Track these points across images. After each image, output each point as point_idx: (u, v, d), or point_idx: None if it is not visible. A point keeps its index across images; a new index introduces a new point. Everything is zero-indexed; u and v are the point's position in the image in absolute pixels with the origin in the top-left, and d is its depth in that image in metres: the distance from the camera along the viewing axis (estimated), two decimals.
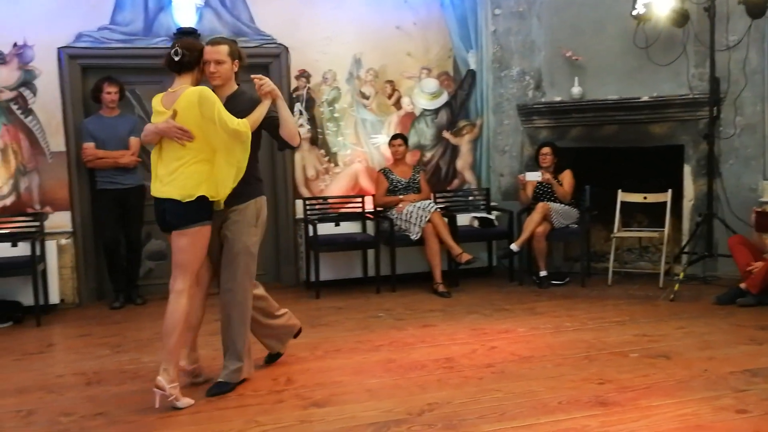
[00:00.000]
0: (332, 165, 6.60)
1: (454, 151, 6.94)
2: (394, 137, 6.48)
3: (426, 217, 6.09)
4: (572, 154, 6.62)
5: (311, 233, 6.11)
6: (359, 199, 6.58)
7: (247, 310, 3.84)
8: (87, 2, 5.90)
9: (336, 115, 6.57)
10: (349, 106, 6.60)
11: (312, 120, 6.51)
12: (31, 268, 5.42)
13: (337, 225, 6.42)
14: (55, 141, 5.89)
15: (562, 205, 6.34)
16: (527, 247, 6.33)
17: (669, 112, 6.34)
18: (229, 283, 3.78)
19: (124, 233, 5.87)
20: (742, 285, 5.37)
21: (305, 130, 6.48)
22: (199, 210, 3.57)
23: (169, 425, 3.39)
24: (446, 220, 6.22)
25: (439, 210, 6.24)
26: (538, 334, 4.77)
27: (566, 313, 5.33)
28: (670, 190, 6.21)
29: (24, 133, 5.84)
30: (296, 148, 3.95)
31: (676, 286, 5.66)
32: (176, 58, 3.62)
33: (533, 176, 6.32)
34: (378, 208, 6.49)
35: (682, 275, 5.80)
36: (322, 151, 6.57)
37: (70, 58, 5.89)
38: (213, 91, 3.65)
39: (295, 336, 4.32)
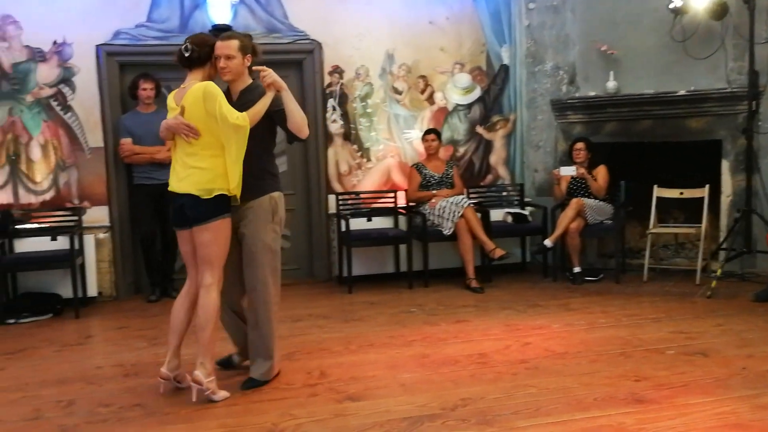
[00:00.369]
0: (365, 160, 6.62)
1: (488, 146, 6.91)
2: (427, 132, 6.48)
3: (459, 212, 6.08)
4: (607, 150, 6.56)
5: (344, 228, 6.13)
6: (392, 194, 6.59)
7: (273, 307, 3.81)
8: (125, 0, 5.99)
9: (369, 110, 6.58)
10: (382, 102, 6.61)
11: (345, 115, 6.53)
12: (70, 261, 5.52)
13: (369, 220, 6.43)
14: (94, 137, 6.00)
15: (597, 200, 6.28)
16: (561, 243, 6.29)
17: (706, 107, 6.24)
18: (253, 283, 3.77)
19: (160, 228, 5.94)
20: None
21: (338, 126, 6.51)
22: (216, 204, 3.60)
23: (206, 416, 3.43)
24: (479, 215, 6.20)
25: (472, 205, 6.22)
26: (573, 331, 4.74)
27: (600, 309, 5.28)
28: (707, 186, 6.11)
29: (63, 129, 5.95)
30: (305, 140, 3.92)
31: (714, 283, 5.58)
32: (186, 54, 3.65)
33: (567, 171, 6.27)
34: (411, 203, 6.49)
35: (719, 272, 5.71)
36: (355, 147, 6.59)
37: (108, 55, 5.99)
38: (228, 85, 3.70)
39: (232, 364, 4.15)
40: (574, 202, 6.17)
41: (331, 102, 6.48)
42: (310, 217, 6.60)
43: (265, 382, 3.83)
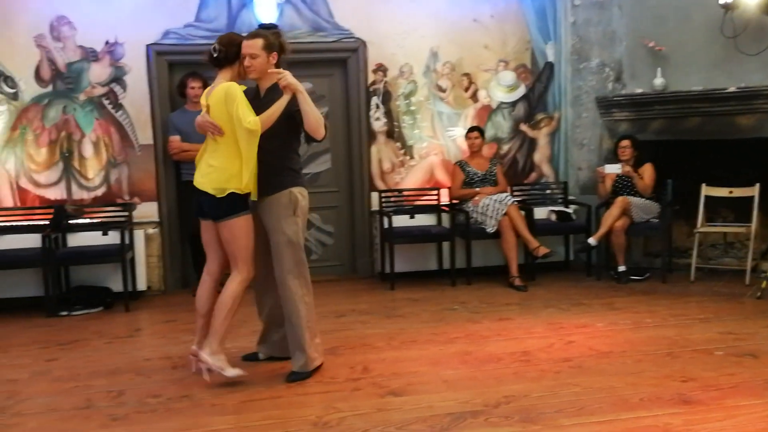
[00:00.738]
0: (408, 158, 6.64)
1: (532, 144, 6.87)
2: (471, 130, 6.46)
3: (502, 210, 6.06)
4: (653, 148, 6.46)
5: (386, 225, 6.16)
6: (435, 192, 6.60)
7: (300, 299, 3.86)
8: (174, 0, 6.11)
9: (412, 108, 6.60)
10: (426, 99, 6.62)
11: (388, 113, 6.56)
12: (121, 256, 5.66)
13: (412, 217, 6.44)
14: (144, 134, 6.14)
15: (643, 199, 6.20)
16: (605, 242, 6.22)
17: (757, 104, 6.09)
18: (279, 275, 3.86)
19: None
20: None
21: (381, 124, 6.54)
22: (232, 202, 3.72)
23: (252, 408, 3.50)
24: (523, 213, 6.17)
25: (515, 203, 6.20)
26: (617, 330, 4.69)
27: (646, 309, 5.21)
28: (757, 185, 5.98)
29: (114, 127, 6.10)
30: (321, 141, 3.96)
31: (764, 284, 5.45)
32: (214, 55, 3.77)
33: (612, 169, 6.20)
34: (454, 201, 6.49)
35: None
36: (398, 144, 6.61)
37: (158, 54, 6.11)
38: (256, 83, 3.83)
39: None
40: (620, 200, 6.10)
41: (374, 100, 6.52)
42: (353, 214, 6.65)
43: (307, 374, 3.88)
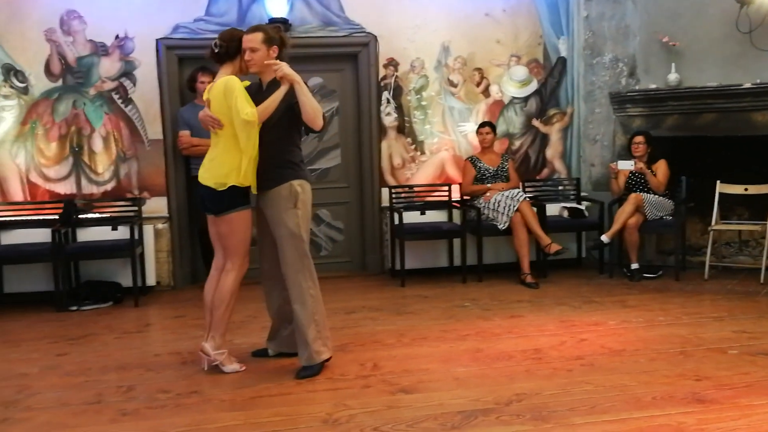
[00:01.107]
0: (419, 153, 6.60)
1: (544, 139, 6.82)
2: (482, 125, 6.42)
3: (514, 206, 6.01)
4: (668, 144, 6.39)
5: (397, 221, 6.13)
6: (446, 188, 6.55)
7: (305, 292, 3.85)
8: None
9: (423, 103, 6.56)
10: (437, 94, 6.58)
11: (399, 108, 6.52)
12: (130, 251, 5.65)
13: (422, 213, 6.40)
14: (153, 129, 6.13)
15: (656, 196, 6.14)
16: (618, 239, 6.16)
17: None
18: (283, 268, 3.87)
19: None
20: None
21: (392, 119, 6.51)
22: (232, 197, 3.75)
23: (261, 405, 3.48)
24: (535, 209, 6.12)
25: (527, 199, 6.15)
26: (630, 328, 4.64)
27: (659, 307, 5.16)
28: None
29: (124, 122, 6.09)
30: (320, 132, 3.96)
31: None
32: (216, 50, 3.80)
33: (625, 165, 6.14)
34: (465, 197, 6.45)
35: None
36: (409, 140, 6.57)
37: (168, 48, 6.10)
38: (259, 77, 3.85)
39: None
40: (633, 197, 6.04)
41: (385, 95, 6.48)
42: (363, 211, 6.62)
43: (317, 370, 3.86)
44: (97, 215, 6.01)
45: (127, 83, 6.07)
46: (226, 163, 3.73)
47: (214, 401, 3.55)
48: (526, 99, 6.74)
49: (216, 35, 3.89)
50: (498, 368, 3.92)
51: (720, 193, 6.11)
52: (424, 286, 5.99)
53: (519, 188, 6.37)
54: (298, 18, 6.22)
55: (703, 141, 6.39)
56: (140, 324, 5.19)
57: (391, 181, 6.56)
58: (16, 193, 5.96)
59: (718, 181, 6.11)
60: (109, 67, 6.04)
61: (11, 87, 5.90)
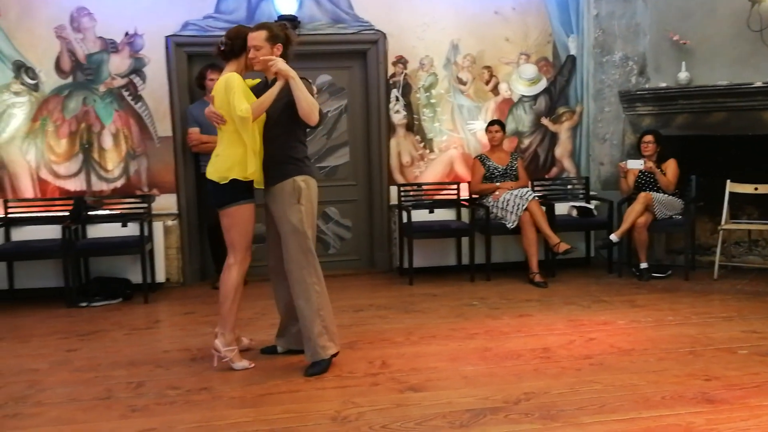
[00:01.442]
0: (427, 151, 6.59)
1: (553, 138, 6.80)
2: (491, 123, 6.40)
3: (523, 205, 6.00)
4: (677, 143, 6.37)
5: (405, 220, 6.13)
6: (454, 186, 6.55)
7: (307, 288, 3.85)
8: None
9: (432, 101, 6.55)
10: (446, 92, 6.57)
11: (408, 106, 6.52)
12: (140, 247, 5.67)
13: (431, 212, 6.40)
14: (163, 126, 6.14)
15: (666, 195, 6.12)
16: (627, 238, 6.15)
17: None
18: (286, 264, 3.89)
19: None
20: None
21: (401, 116, 6.50)
22: (234, 191, 3.81)
23: (270, 402, 3.49)
24: (544, 208, 6.11)
25: (536, 198, 6.14)
26: (639, 327, 4.63)
27: (668, 306, 5.14)
28: None
29: (134, 119, 6.11)
30: (315, 127, 3.97)
31: None
32: (221, 48, 3.87)
33: (635, 164, 6.12)
34: (474, 196, 6.44)
35: None
36: (418, 137, 6.57)
37: (177, 46, 6.11)
38: (265, 74, 3.90)
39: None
40: (642, 196, 6.02)
41: (394, 92, 6.48)
42: (371, 208, 6.62)
43: (325, 367, 3.86)
44: (106, 212, 6.03)
45: (136, 80, 6.09)
46: (229, 158, 3.80)
47: (224, 398, 3.56)
48: (535, 97, 6.73)
49: (225, 32, 3.94)
50: (506, 367, 3.91)
51: (730, 193, 6.08)
52: (433, 285, 5.99)
53: (528, 187, 6.36)
54: (307, 15, 6.22)
55: (713, 140, 6.36)
56: (150, 320, 5.21)
57: (400, 179, 6.56)
58: (27, 189, 5.99)
59: (728, 181, 6.09)
60: (118, 64, 6.06)
61: (22, 84, 5.92)
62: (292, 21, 6.03)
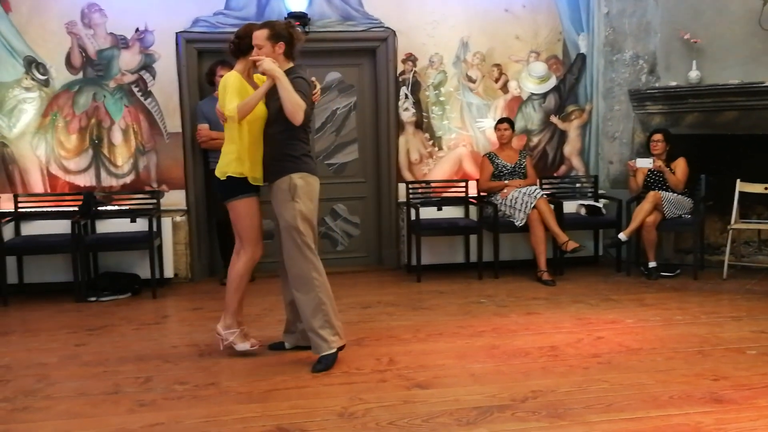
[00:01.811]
0: (436, 149, 6.59)
1: (562, 136, 6.78)
2: (500, 121, 6.39)
3: (532, 203, 5.99)
4: (687, 142, 6.34)
5: (413, 217, 6.12)
6: (463, 184, 6.54)
7: (307, 282, 3.88)
8: None
9: (442, 98, 6.54)
10: (455, 90, 6.56)
11: (417, 103, 6.51)
12: (149, 243, 5.69)
13: (439, 209, 6.40)
14: (172, 122, 6.16)
15: (675, 194, 6.09)
16: (636, 237, 6.13)
17: None
18: (286, 260, 3.94)
19: None
20: None
21: (410, 114, 6.50)
22: (232, 186, 3.94)
23: (278, 397, 3.50)
24: (552, 206, 6.10)
25: (545, 196, 6.12)
26: (647, 326, 4.61)
27: (677, 305, 5.13)
28: None
29: (143, 115, 6.13)
30: (302, 126, 3.96)
31: None
32: (231, 47, 4.01)
33: (644, 163, 6.10)
34: (482, 193, 6.43)
35: None
36: (427, 135, 6.56)
37: (187, 42, 6.12)
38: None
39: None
40: (651, 195, 6.00)
41: (403, 90, 6.47)
42: (379, 206, 6.62)
43: (332, 362, 3.87)
44: (116, 207, 6.06)
45: (146, 76, 6.10)
46: (229, 153, 3.93)
47: (231, 393, 3.57)
48: (544, 95, 6.71)
49: (236, 29, 4.01)
50: (514, 365, 3.91)
51: (740, 192, 6.05)
52: (440, 282, 5.99)
53: (536, 185, 6.35)
54: (317, 12, 6.22)
55: (724, 139, 6.33)
56: (158, 315, 5.23)
57: (408, 177, 6.55)
58: (37, 184, 6.02)
59: (738, 180, 6.06)
60: (129, 60, 6.07)
61: (33, 79, 5.95)
62: (302, 18, 6.04)
